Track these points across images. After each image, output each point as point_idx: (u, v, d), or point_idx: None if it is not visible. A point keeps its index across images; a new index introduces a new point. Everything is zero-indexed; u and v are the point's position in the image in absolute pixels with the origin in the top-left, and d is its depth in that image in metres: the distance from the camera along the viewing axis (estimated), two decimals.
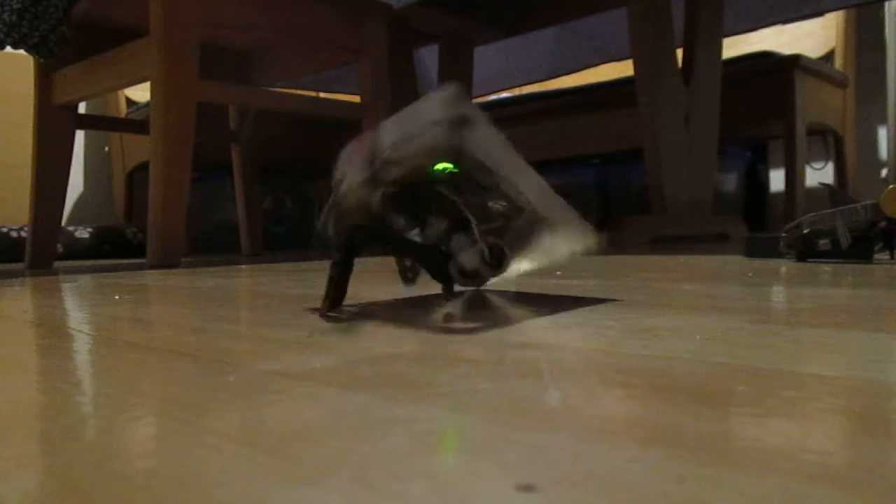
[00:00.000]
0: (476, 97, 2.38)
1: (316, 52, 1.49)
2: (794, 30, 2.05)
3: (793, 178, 1.69)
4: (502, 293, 0.47)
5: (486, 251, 0.41)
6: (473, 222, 0.41)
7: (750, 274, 0.57)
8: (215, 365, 0.25)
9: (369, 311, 0.40)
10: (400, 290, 0.52)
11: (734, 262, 0.72)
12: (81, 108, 1.75)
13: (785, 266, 0.65)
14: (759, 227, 2.03)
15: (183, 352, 0.28)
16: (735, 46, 2.09)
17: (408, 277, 0.50)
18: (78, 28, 1.24)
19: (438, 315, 0.37)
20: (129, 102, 2.38)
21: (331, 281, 0.39)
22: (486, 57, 2.36)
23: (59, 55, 1.16)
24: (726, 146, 1.93)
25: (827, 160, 2.03)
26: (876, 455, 0.13)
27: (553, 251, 0.43)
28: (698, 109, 1.53)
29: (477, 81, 2.34)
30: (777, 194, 2.08)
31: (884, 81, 1.91)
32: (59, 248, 1.79)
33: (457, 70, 2.08)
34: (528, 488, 0.12)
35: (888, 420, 0.16)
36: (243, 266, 1.05)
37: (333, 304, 0.39)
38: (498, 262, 0.42)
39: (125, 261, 1.55)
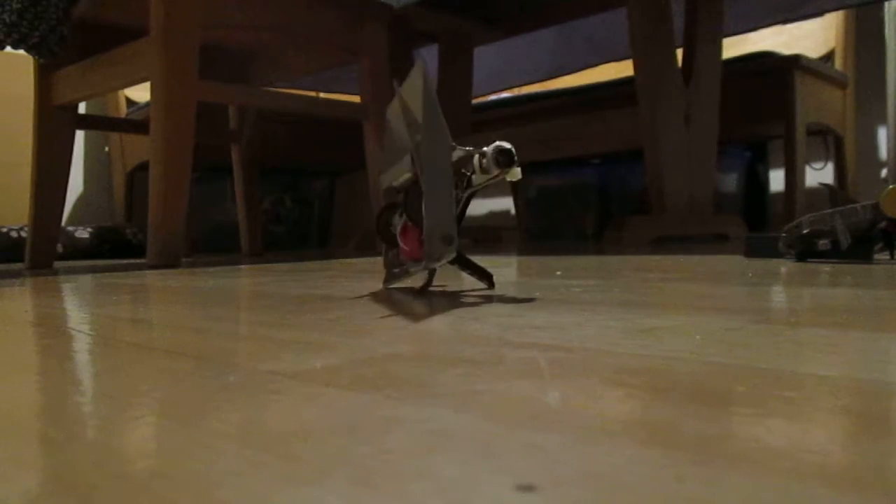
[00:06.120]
0: (476, 97, 2.38)
1: (316, 52, 1.49)
2: (794, 30, 2.05)
3: (793, 178, 1.69)
4: (501, 292, 0.48)
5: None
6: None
7: (750, 274, 0.57)
8: (215, 365, 0.25)
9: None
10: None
11: (734, 262, 0.72)
12: (81, 108, 1.75)
13: (785, 266, 0.65)
14: (759, 227, 2.03)
15: (183, 352, 0.28)
16: (735, 46, 2.09)
17: (394, 275, 0.53)
18: (78, 28, 1.24)
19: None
20: (129, 102, 2.38)
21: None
22: (486, 57, 2.36)
23: (59, 55, 1.15)
24: (726, 146, 1.93)
25: (827, 160, 2.03)
26: (876, 455, 0.13)
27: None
28: (698, 109, 1.53)
29: (477, 81, 2.34)
30: (777, 194, 2.08)
31: (884, 81, 1.91)
32: (59, 248, 1.79)
33: (457, 70, 2.08)
34: (528, 488, 0.12)
35: (888, 420, 0.16)
36: (243, 266, 1.05)
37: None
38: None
39: (125, 261, 1.55)
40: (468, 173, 0.46)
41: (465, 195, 0.47)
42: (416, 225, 0.47)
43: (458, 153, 0.46)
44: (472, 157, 0.46)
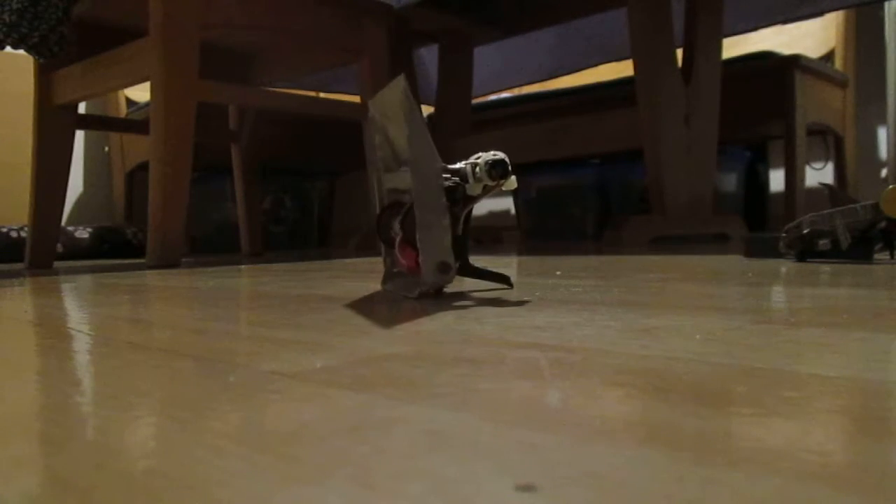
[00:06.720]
0: (476, 97, 2.38)
1: (316, 53, 1.49)
2: (794, 30, 2.05)
3: (793, 178, 1.69)
4: (494, 293, 0.47)
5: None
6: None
7: (750, 274, 0.57)
8: (215, 365, 0.25)
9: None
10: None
11: (734, 262, 0.72)
12: (81, 108, 1.75)
13: (785, 266, 0.65)
14: (759, 227, 2.02)
15: (183, 352, 0.28)
16: (735, 46, 2.09)
17: (392, 275, 0.54)
18: (78, 28, 1.24)
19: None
20: (129, 102, 2.38)
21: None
22: (486, 57, 2.35)
23: (59, 55, 1.15)
24: (726, 146, 1.93)
25: (827, 160, 2.03)
26: (876, 455, 0.13)
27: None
28: (698, 109, 1.53)
29: (477, 81, 2.34)
30: (777, 194, 2.08)
31: (884, 81, 1.91)
32: (59, 248, 1.79)
33: (457, 70, 2.08)
34: (528, 488, 0.12)
35: (888, 420, 0.16)
36: (243, 266, 1.05)
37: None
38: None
39: (125, 261, 1.55)
40: (462, 182, 0.46)
41: (465, 212, 0.46)
42: (414, 249, 0.47)
43: (451, 167, 0.46)
44: (464, 171, 0.46)
